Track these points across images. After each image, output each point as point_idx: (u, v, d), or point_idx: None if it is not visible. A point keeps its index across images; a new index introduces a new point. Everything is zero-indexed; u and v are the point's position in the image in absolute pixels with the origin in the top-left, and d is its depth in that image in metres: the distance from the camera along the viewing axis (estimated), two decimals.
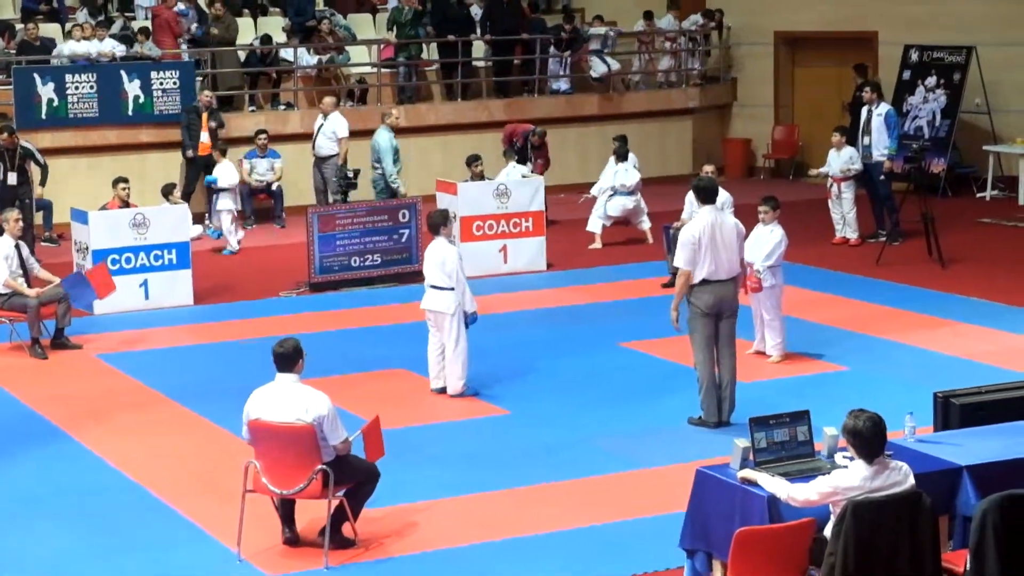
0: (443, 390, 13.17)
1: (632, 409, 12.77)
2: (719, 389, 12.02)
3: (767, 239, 13.89)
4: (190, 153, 21.16)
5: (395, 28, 23.98)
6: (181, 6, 23.37)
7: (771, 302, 13.97)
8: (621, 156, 20.02)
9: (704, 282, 11.81)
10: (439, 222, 13.08)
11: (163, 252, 16.85)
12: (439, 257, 12.89)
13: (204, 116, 21.18)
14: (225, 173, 20.20)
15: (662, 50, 26.62)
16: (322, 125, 21.20)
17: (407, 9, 24.01)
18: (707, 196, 12.01)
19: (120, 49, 21.94)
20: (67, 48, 21.97)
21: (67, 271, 16.23)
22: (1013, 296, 16.51)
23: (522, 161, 20.71)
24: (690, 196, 17.70)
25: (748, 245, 13.07)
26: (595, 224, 20.04)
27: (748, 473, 8.24)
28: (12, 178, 18.72)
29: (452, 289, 12.82)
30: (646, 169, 21.69)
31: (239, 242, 19.98)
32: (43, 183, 19.42)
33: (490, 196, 18.49)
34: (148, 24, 23.07)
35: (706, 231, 11.78)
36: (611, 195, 19.86)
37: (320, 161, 21.30)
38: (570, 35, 25.11)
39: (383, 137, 19.52)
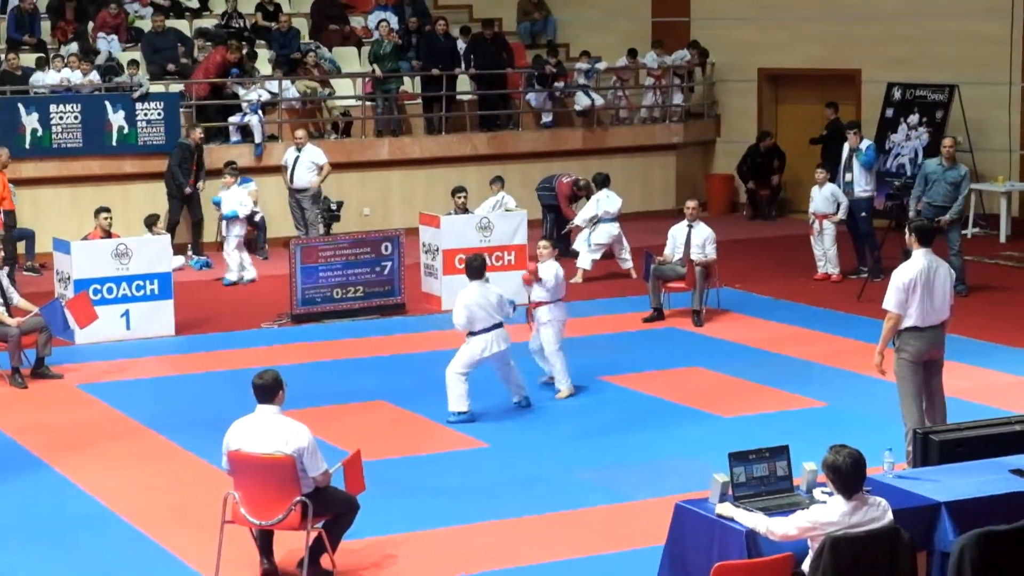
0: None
1: (611, 443, 12.77)
2: None
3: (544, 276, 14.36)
4: (189, 190, 21.06)
5: (375, 61, 24.01)
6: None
7: (548, 336, 14.37)
8: (600, 184, 20.15)
9: (913, 329, 11.20)
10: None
11: (145, 282, 16.83)
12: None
13: (195, 154, 21.14)
14: (232, 199, 20.13)
15: (645, 86, 26.65)
16: (298, 157, 21.23)
17: (387, 43, 24.07)
18: (924, 238, 11.26)
19: (96, 79, 21.90)
20: (44, 78, 21.89)
21: (49, 301, 16.19)
22: (993, 333, 16.54)
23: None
24: (673, 231, 17.90)
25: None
26: (585, 261, 20.06)
27: (725, 509, 8.23)
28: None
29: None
30: (629, 204, 21.76)
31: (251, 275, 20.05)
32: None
33: (473, 229, 18.51)
34: (136, 56, 23.00)
35: (921, 275, 11.12)
36: (596, 223, 19.93)
37: (298, 192, 21.31)
38: (555, 70, 25.15)
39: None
